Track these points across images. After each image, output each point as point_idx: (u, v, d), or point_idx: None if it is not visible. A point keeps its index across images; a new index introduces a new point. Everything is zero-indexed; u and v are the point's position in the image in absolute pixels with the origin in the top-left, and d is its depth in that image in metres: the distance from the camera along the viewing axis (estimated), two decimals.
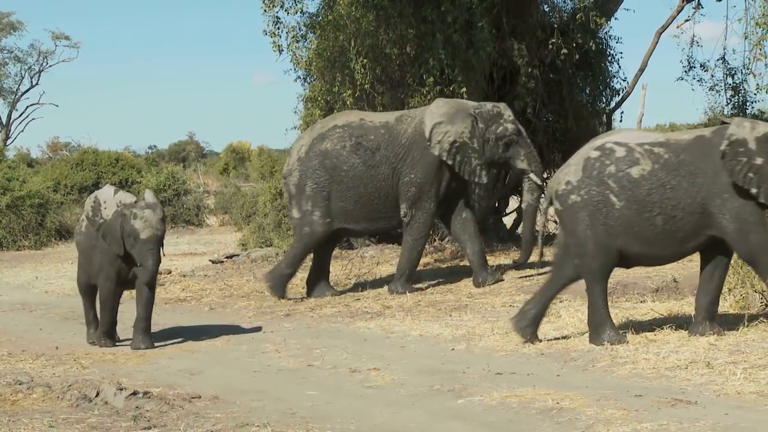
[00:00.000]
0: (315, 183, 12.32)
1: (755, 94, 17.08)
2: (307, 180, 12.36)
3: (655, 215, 8.24)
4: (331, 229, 12.37)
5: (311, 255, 12.85)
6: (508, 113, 12.37)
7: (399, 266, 12.51)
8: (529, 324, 8.75)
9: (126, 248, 9.34)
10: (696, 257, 8.84)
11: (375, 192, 12.27)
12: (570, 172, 8.55)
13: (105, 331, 9.84)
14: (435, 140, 12.02)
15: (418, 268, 13.64)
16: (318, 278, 12.69)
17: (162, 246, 9.49)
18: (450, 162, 12.05)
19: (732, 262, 9.58)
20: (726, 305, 9.28)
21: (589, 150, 8.57)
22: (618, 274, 11.93)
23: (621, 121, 17.35)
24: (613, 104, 16.87)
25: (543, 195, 12.16)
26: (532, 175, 12.37)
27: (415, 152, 12.21)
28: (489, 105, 12.50)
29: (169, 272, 15.75)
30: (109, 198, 9.61)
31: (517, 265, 13.03)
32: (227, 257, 17.02)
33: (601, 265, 8.43)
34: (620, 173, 8.28)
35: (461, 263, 14.12)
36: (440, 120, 12.09)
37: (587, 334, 8.72)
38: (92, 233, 9.71)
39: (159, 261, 9.45)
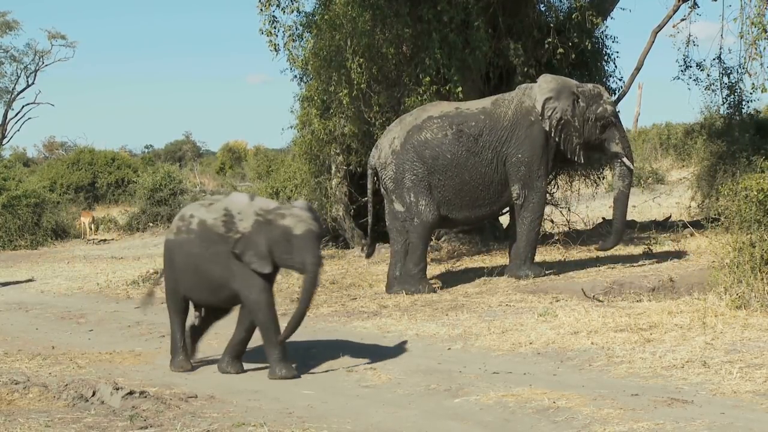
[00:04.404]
0: (414, 174, 12.19)
1: (751, 94, 17.16)
2: (404, 173, 12.23)
3: None
4: (439, 216, 12.26)
5: (393, 248, 12.53)
6: (606, 94, 12.53)
7: (519, 250, 12.40)
8: None
9: (276, 261, 8.05)
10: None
11: (479, 179, 12.21)
12: None
13: (282, 356, 8.15)
14: (546, 115, 12.14)
15: None
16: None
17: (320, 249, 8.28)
18: (557, 139, 12.17)
19: (728, 261, 9.63)
20: (722, 304, 9.29)
21: None
22: (614, 273, 11.98)
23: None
24: None
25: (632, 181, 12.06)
26: (625, 160, 12.44)
27: (519, 132, 12.23)
28: (590, 85, 12.68)
29: None
30: (244, 207, 8.20)
31: (600, 250, 13.03)
32: None
33: None
34: None
35: (457, 263, 14.14)
36: (550, 95, 12.21)
37: (583, 334, 8.73)
38: (209, 237, 8.23)
39: (321, 260, 8.07)
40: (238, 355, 8.42)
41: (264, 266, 7.99)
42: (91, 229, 26.25)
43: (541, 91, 12.30)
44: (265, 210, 8.11)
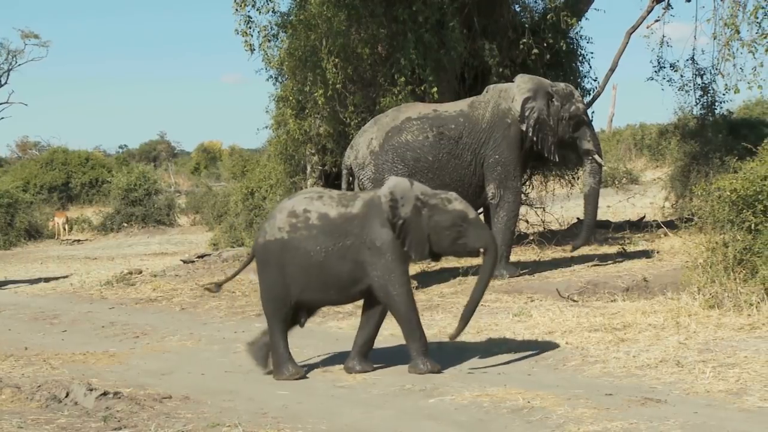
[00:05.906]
0: (394, 175, 12.20)
1: (724, 95, 17.26)
2: (384, 173, 12.20)
3: None
4: None
5: None
6: (577, 93, 12.68)
7: None
8: None
9: (439, 247, 7.99)
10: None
11: (458, 180, 12.26)
12: None
13: (425, 350, 7.91)
14: (525, 115, 12.23)
15: None
16: None
17: None
18: (535, 138, 12.27)
19: (701, 261, 9.68)
20: (696, 304, 9.34)
21: None
22: (588, 273, 12.01)
23: (591, 120, 17.46)
24: None
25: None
26: (596, 157, 12.57)
27: (497, 134, 12.32)
28: (562, 84, 12.80)
29: (140, 272, 15.69)
30: (406, 192, 7.85)
31: (573, 250, 13.03)
32: (198, 257, 16.97)
33: None
34: None
35: (432, 263, 14.12)
36: (529, 95, 12.30)
37: (557, 333, 8.76)
38: (335, 231, 7.85)
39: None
40: (367, 354, 8.12)
41: (423, 253, 7.90)
42: (65, 229, 26.13)
43: (519, 91, 12.37)
44: (426, 195, 7.94)
